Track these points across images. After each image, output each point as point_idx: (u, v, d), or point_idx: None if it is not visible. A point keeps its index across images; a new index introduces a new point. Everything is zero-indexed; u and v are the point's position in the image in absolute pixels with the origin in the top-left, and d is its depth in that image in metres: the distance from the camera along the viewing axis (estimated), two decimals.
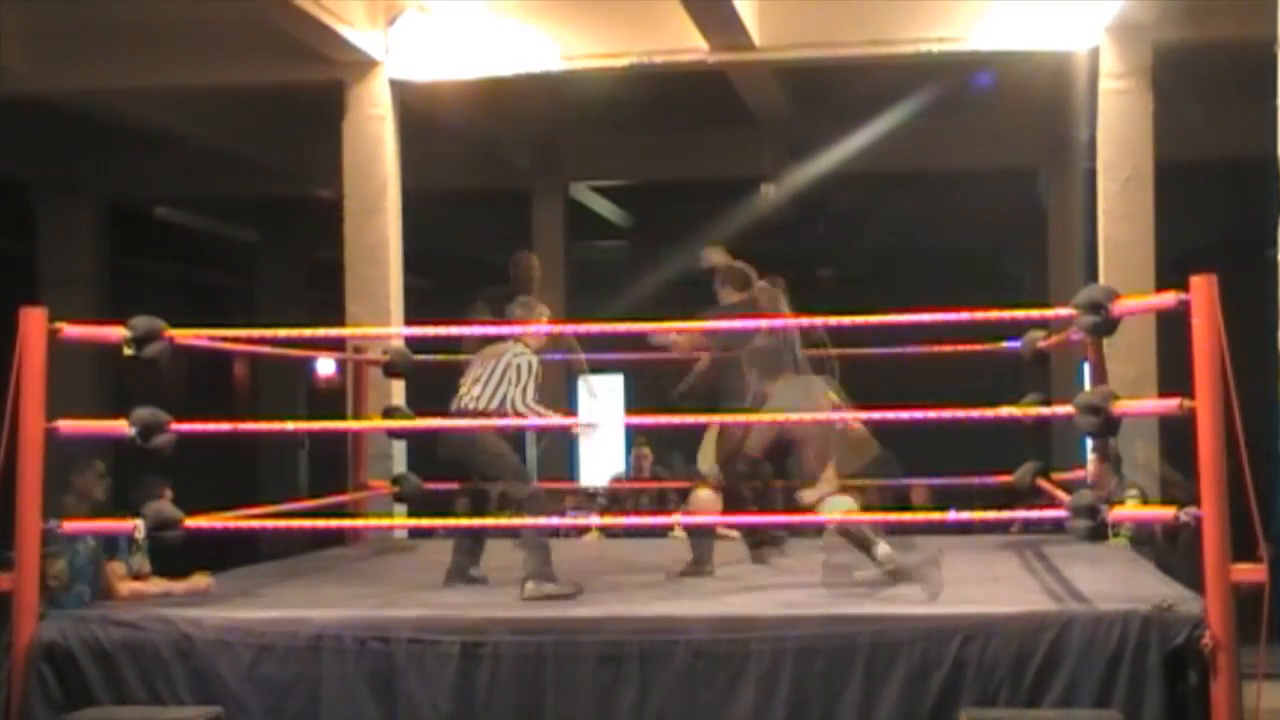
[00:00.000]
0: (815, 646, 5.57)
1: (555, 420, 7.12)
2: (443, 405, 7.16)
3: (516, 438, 7.58)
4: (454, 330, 7.01)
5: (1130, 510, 7.33)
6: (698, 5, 9.75)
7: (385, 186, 10.74)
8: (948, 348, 8.77)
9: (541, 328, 7.21)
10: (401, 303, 10.81)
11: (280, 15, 9.75)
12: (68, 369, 9.02)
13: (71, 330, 6.31)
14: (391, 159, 10.78)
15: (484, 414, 6.92)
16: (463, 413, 6.99)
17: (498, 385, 6.97)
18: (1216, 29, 9.87)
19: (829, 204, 16.84)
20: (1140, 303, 6.61)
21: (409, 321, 10.75)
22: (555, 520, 7.31)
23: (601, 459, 15.64)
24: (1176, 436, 6.15)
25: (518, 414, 6.91)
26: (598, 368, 8.00)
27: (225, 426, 7.22)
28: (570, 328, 7.58)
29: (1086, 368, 8.99)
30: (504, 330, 7.10)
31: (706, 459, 7.67)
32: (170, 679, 5.81)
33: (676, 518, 7.23)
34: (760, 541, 7.68)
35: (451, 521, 6.96)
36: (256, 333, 8.11)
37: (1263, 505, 5.53)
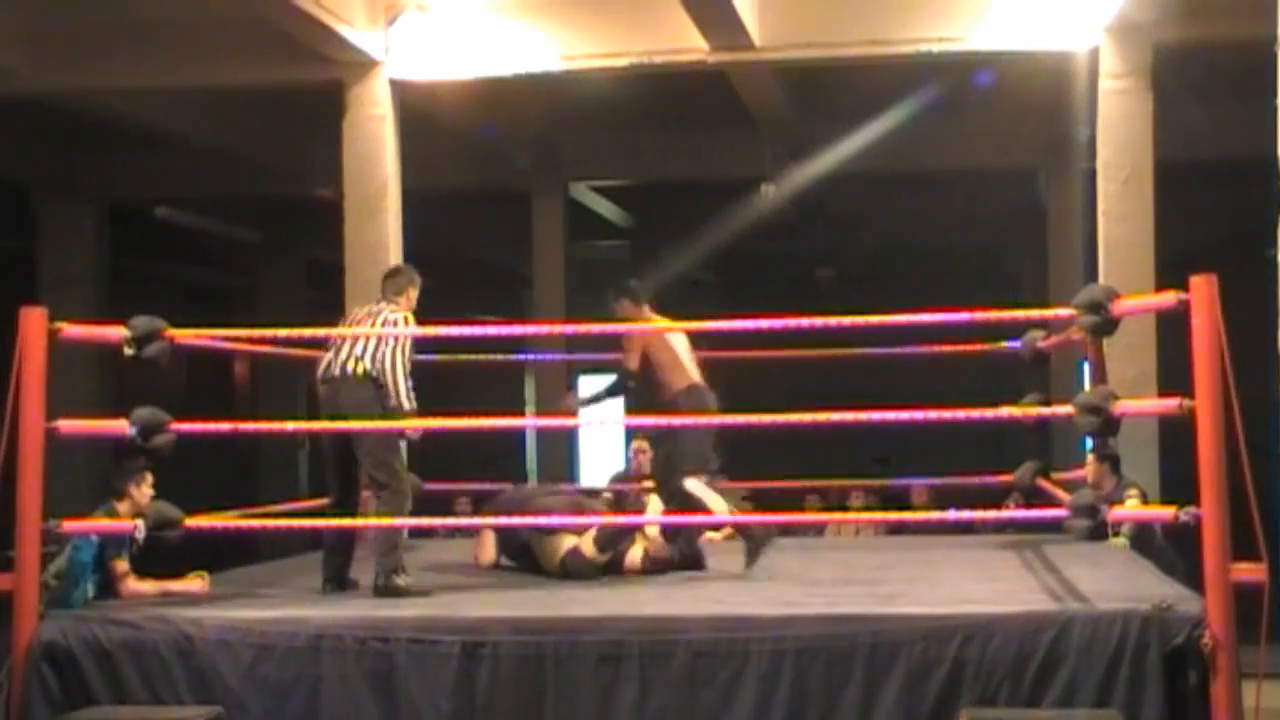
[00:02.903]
0: (815, 646, 5.57)
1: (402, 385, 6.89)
2: (443, 406, 7.12)
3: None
4: (454, 330, 6.99)
5: (1130, 510, 7.33)
6: (698, 5, 9.73)
7: (385, 186, 10.72)
8: (948, 348, 8.77)
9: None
10: None
11: (280, 15, 9.74)
12: (68, 369, 9.04)
13: (71, 330, 6.32)
14: (391, 159, 10.77)
15: (369, 378, 6.80)
16: (346, 378, 6.84)
17: (376, 346, 6.84)
18: (1216, 29, 9.86)
19: (829, 204, 16.82)
20: (1140, 303, 6.61)
21: None
22: (554, 520, 7.27)
23: (602, 458, 15.62)
24: (1177, 436, 6.14)
25: (394, 382, 6.79)
26: (598, 367, 7.98)
27: (225, 426, 7.22)
28: (570, 328, 7.55)
29: (1086, 368, 8.99)
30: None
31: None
32: (170, 679, 5.82)
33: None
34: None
35: (451, 521, 6.94)
36: (256, 333, 8.11)
37: (1263, 505, 5.53)
